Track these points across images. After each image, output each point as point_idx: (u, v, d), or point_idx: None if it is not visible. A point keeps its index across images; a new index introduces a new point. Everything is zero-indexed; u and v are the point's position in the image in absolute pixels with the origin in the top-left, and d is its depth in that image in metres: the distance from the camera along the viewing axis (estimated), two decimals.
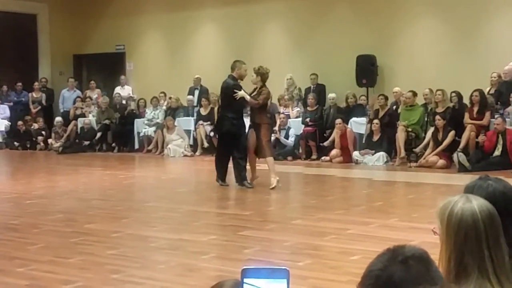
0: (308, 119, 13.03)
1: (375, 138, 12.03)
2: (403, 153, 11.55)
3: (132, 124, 15.10)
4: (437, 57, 12.79)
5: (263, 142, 9.04)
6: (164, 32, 16.64)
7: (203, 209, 7.90)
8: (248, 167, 9.24)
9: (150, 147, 14.65)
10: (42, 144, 15.51)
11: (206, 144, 14.02)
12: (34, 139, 15.64)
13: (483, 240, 2.06)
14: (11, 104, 16.36)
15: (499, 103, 11.59)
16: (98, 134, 15.11)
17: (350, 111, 12.96)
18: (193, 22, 15.99)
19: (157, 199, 8.71)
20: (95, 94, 16.34)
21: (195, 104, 14.96)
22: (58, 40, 17.61)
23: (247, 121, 9.57)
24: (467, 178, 9.23)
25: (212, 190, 9.21)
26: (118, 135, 15.12)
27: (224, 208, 7.99)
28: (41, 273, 5.00)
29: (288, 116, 13.29)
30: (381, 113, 12.26)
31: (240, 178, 9.04)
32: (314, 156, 12.72)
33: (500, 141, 10.76)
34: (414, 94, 12.06)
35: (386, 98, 12.42)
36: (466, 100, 11.65)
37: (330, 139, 12.61)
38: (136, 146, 15.08)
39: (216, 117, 13.99)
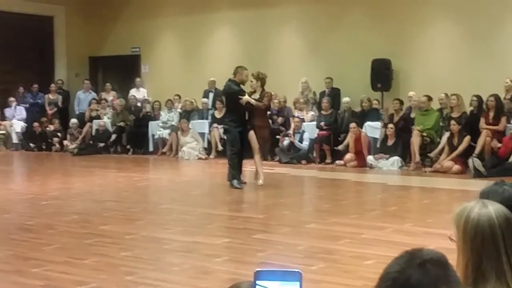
0: (322, 123, 13.02)
1: (390, 142, 11.99)
2: (417, 158, 11.50)
3: (147, 127, 15.16)
4: (453, 62, 12.74)
5: (262, 143, 9.45)
6: (180, 34, 16.70)
7: (217, 211, 7.92)
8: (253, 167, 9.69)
9: (164, 150, 14.70)
10: (57, 145, 15.62)
11: (220, 147, 14.02)
12: (49, 140, 15.74)
13: (501, 245, 2.06)
14: (27, 105, 16.48)
15: None
16: (113, 136, 15.19)
17: (365, 115, 12.93)
18: (209, 25, 16.04)
19: (171, 201, 8.75)
20: (110, 96, 16.43)
21: (209, 107, 14.99)
22: (74, 42, 17.73)
23: None
24: (482, 184, 9.17)
25: (226, 193, 9.22)
26: (132, 137, 15.18)
27: (238, 211, 7.98)
28: (56, 273, 5.03)
29: (303, 120, 13.28)
30: (396, 118, 12.23)
31: (229, 176, 9.39)
32: (328, 160, 12.70)
33: None
34: (429, 98, 12.02)
35: (401, 103, 12.38)
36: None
37: (345, 143, 12.59)
38: (151, 148, 15.13)
39: None
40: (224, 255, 5.68)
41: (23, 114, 16.24)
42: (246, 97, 9.25)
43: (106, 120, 15.60)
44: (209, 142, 14.32)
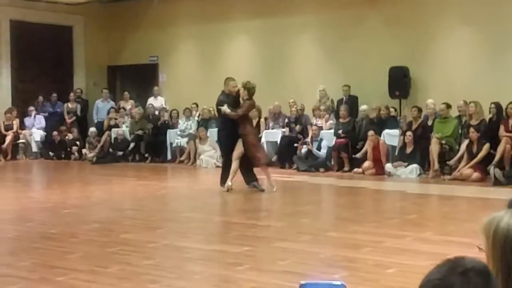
0: (340, 131, 13.03)
1: (408, 150, 11.97)
2: (436, 166, 11.47)
3: (165, 135, 15.24)
4: (471, 69, 12.70)
5: (250, 153, 9.57)
6: (197, 43, 16.79)
7: (236, 220, 7.95)
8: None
9: (182, 158, 14.77)
10: (76, 154, 15.74)
11: None
12: (68, 149, 15.87)
13: None
14: (47, 114, 16.63)
15: None
16: (132, 145, 15.29)
17: (383, 123, 12.92)
18: (226, 33, 16.12)
19: (191, 209, 8.78)
20: (128, 105, 16.54)
21: None
22: (93, 52, 17.89)
23: None
24: (502, 192, 9.17)
25: (245, 201, 9.26)
26: (151, 145, 15.27)
27: (257, 220, 8.01)
28: (81, 282, 5.08)
29: (321, 128, 13.30)
30: (414, 125, 12.21)
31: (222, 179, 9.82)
32: (346, 168, 12.70)
33: None
34: (448, 106, 11.99)
35: (420, 110, 12.36)
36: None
37: (363, 151, 12.58)
38: (169, 156, 15.21)
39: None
40: (245, 263, 5.70)
41: (43, 123, 16.38)
42: (223, 107, 9.66)
43: (124, 129, 15.70)
44: None
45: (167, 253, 6.16)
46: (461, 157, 11.33)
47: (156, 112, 15.91)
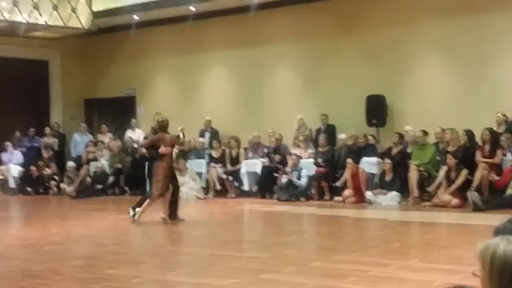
0: (320, 160, 13.11)
1: (388, 177, 12.07)
2: (416, 193, 11.58)
3: (144, 167, 15.17)
4: (446, 96, 12.92)
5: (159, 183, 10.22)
6: (174, 75, 16.86)
7: (221, 252, 7.93)
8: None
9: None
10: (55, 189, 15.62)
11: (218, 187, 14.11)
12: (47, 184, 15.75)
13: None
14: (24, 149, 16.51)
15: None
16: (111, 178, 15.22)
17: (361, 151, 13.04)
18: (203, 64, 16.22)
19: (174, 242, 8.75)
20: (106, 138, 16.49)
21: (206, 146, 15.07)
22: (70, 85, 17.88)
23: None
24: (481, 217, 9.26)
25: (229, 233, 9.25)
26: (130, 178, 15.20)
27: (241, 251, 8.00)
28: None
29: (300, 157, 13.37)
30: (394, 150, 12.33)
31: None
32: (327, 197, 12.77)
33: None
34: (425, 133, 12.15)
35: (401, 137, 12.51)
36: (477, 139, 11.73)
37: (342, 179, 12.66)
38: (148, 189, 15.11)
39: (228, 159, 14.17)
40: None
41: (20, 158, 16.26)
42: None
43: (103, 162, 15.63)
44: (207, 182, 14.37)
45: (152, 287, 6.12)
46: (440, 184, 11.45)
47: (135, 145, 15.87)
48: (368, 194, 12.11)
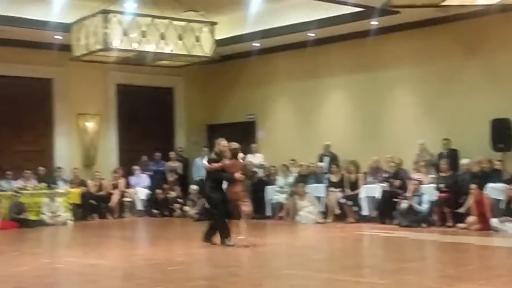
0: (442, 185, 12.79)
1: None
2: None
3: (264, 191, 15.42)
4: None
5: (236, 207, 10.48)
6: (294, 99, 17.06)
7: (340, 277, 7.90)
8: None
9: (281, 214, 14.88)
10: (179, 211, 16.17)
11: (337, 211, 14.08)
12: (171, 206, 16.33)
13: None
14: (151, 173, 17.22)
15: None
16: None
17: (486, 176, 12.58)
18: (322, 89, 16.32)
19: (292, 266, 8.81)
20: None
21: (325, 170, 15.09)
22: (193, 111, 18.54)
23: None
24: None
25: (347, 258, 9.20)
26: (251, 202, 15.43)
27: (360, 276, 7.94)
28: None
29: (421, 182, 13.10)
30: None
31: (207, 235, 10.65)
32: (449, 223, 12.41)
33: None
34: None
35: None
36: None
37: (466, 205, 12.27)
38: (268, 213, 15.34)
39: (347, 183, 14.11)
40: None
41: (147, 181, 16.96)
42: (205, 162, 10.86)
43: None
44: (326, 206, 14.37)
45: None
46: None
47: (255, 169, 16.16)
48: (494, 222, 11.65)
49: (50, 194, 15.15)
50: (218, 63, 16.43)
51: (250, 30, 15.51)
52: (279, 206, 15.09)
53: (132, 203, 16.54)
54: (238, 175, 10.45)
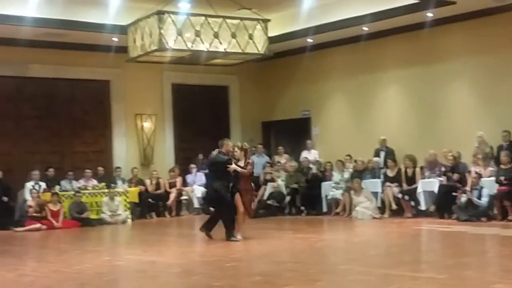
0: (502, 178, 12.52)
1: None
2: None
3: (320, 187, 15.40)
4: None
5: (249, 205, 11.01)
6: (349, 95, 16.97)
7: (397, 272, 7.82)
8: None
9: (338, 210, 14.84)
10: None
11: (394, 206, 13.95)
12: None
13: None
14: (207, 171, 17.35)
15: None
16: (287, 198, 15.59)
17: None
18: (377, 83, 16.19)
19: (349, 261, 8.77)
20: (283, 159, 16.93)
21: (381, 165, 14.96)
22: (248, 109, 18.64)
23: None
24: None
25: (405, 253, 9.11)
26: (306, 198, 15.47)
27: (418, 271, 7.85)
28: None
29: (480, 175, 12.85)
30: None
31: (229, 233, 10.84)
32: (510, 217, 12.14)
33: None
34: None
35: None
36: None
37: None
38: (324, 209, 15.32)
39: (404, 178, 13.95)
40: None
41: (203, 179, 17.10)
42: (233, 166, 10.72)
43: (280, 183, 16.05)
44: (383, 201, 14.25)
45: None
46: None
47: (310, 165, 16.16)
48: None
49: (110, 193, 15.48)
50: (272, 60, 16.47)
51: (303, 26, 15.51)
52: (335, 202, 15.04)
53: (189, 201, 16.74)
54: (245, 171, 10.79)
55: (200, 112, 18.14)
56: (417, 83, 15.42)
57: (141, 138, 17.32)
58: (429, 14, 13.93)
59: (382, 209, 14.18)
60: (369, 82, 16.31)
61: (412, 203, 13.81)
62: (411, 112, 15.58)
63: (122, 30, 13.90)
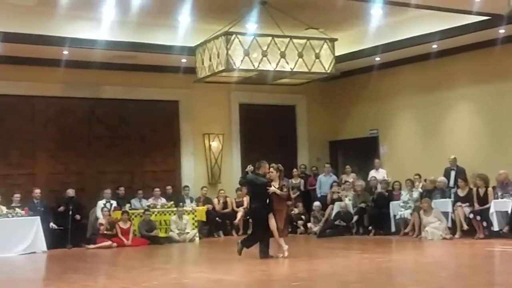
0: None
1: None
2: None
3: (388, 207, 15.18)
4: None
5: (283, 224, 11.44)
6: (417, 113, 16.73)
7: None
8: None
9: (406, 230, 14.57)
10: (302, 228, 16.22)
11: (465, 227, 13.60)
12: (294, 223, 16.41)
13: None
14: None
15: None
16: (355, 218, 15.43)
17: None
18: (446, 101, 15.91)
19: (417, 283, 8.59)
20: (350, 178, 16.79)
21: (451, 185, 14.64)
22: (315, 128, 18.62)
23: None
24: None
25: (476, 275, 8.86)
26: (374, 218, 15.28)
27: None
28: None
29: None
30: None
31: (266, 251, 11.26)
32: None
33: None
34: None
35: None
36: None
37: None
38: (393, 229, 15.08)
39: (475, 198, 13.60)
40: None
41: None
42: (272, 188, 11.23)
43: (347, 202, 15.92)
44: (453, 221, 13.91)
45: None
46: None
47: (378, 185, 15.97)
48: None
49: (178, 212, 15.68)
50: (339, 79, 16.43)
51: (371, 44, 15.43)
52: (403, 222, 14.78)
53: None
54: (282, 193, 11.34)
55: (267, 131, 18.23)
56: (488, 101, 15.07)
57: (208, 157, 17.52)
58: (501, 31, 13.62)
59: (452, 229, 13.84)
60: (438, 100, 16.04)
61: (485, 223, 13.42)
62: (482, 131, 15.22)
63: (190, 51, 14.15)
